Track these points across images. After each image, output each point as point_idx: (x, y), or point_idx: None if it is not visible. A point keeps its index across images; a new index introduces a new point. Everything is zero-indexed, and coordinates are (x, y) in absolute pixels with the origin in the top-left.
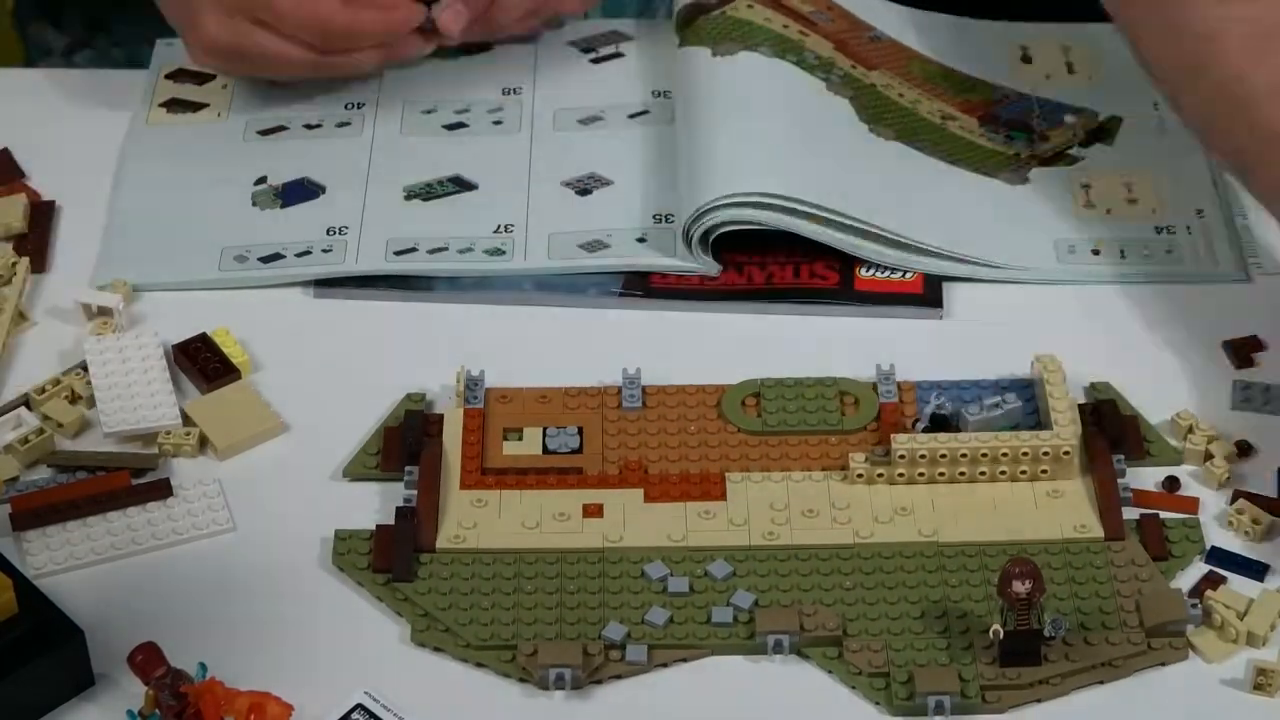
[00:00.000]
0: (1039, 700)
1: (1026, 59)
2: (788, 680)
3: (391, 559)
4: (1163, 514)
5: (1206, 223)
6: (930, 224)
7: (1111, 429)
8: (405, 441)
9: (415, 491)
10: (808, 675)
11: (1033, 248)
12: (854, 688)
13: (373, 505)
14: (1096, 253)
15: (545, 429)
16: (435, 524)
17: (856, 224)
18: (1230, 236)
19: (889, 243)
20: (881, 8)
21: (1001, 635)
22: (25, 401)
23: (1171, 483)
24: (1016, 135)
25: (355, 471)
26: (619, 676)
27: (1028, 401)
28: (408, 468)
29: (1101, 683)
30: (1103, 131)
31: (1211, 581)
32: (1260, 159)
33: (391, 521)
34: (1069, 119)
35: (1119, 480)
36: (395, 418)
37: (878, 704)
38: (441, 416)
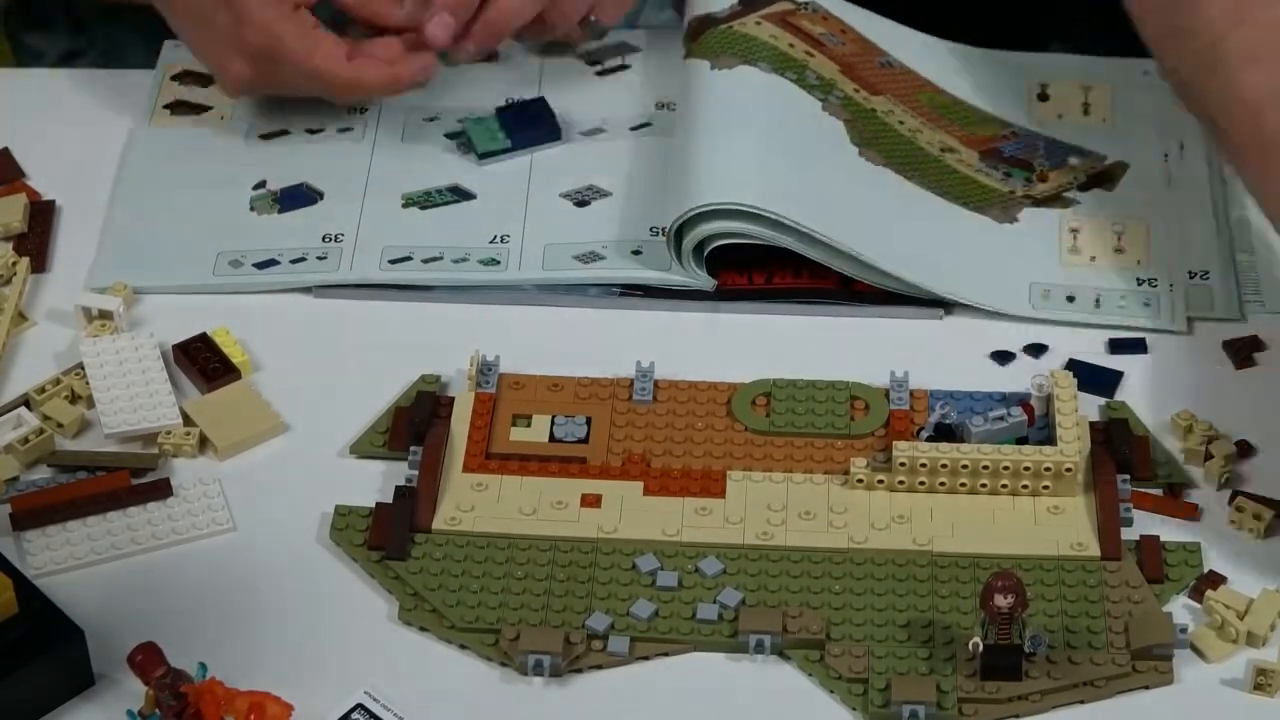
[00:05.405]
0: (1016, 716)
1: (1043, 96)
2: (766, 680)
3: (387, 537)
4: (1164, 537)
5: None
6: (906, 254)
7: (1120, 449)
8: (413, 421)
9: (418, 471)
10: (787, 677)
11: (1006, 288)
12: (832, 691)
13: (374, 493)
14: (1071, 299)
15: (554, 417)
16: (433, 505)
17: (831, 244)
18: (1230, 279)
19: (864, 266)
20: (903, 35)
21: (981, 648)
22: (25, 401)
23: (1174, 488)
24: (1015, 173)
25: (363, 449)
26: (599, 666)
27: (1042, 416)
28: (413, 447)
29: (1082, 702)
30: (1105, 177)
31: (1211, 581)
32: (1231, 123)
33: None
34: (1073, 161)
35: (1122, 502)
36: (408, 398)
37: (854, 709)
38: (454, 399)
